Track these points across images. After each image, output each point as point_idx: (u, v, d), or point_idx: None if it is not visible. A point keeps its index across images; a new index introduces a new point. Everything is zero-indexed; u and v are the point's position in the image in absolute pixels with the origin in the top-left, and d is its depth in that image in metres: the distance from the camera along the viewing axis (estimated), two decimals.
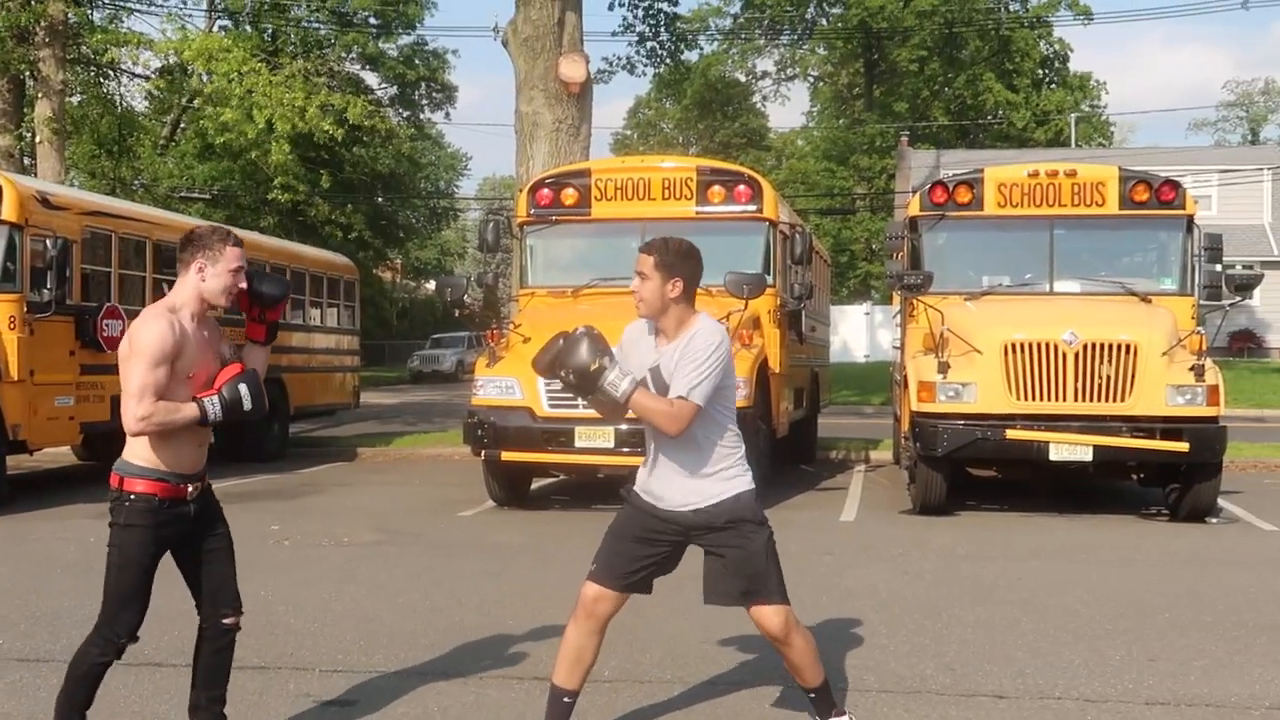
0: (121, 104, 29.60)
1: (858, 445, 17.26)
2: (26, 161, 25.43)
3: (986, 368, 10.93)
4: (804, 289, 13.16)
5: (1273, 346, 39.74)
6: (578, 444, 11.10)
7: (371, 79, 45.91)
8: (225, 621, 4.66)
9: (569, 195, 13.04)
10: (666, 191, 12.86)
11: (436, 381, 41.94)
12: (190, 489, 4.49)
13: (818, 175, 59.88)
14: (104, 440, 15.24)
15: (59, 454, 15.82)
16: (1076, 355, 10.75)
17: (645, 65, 31.09)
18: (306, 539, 10.21)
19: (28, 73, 23.60)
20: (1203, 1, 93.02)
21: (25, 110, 24.86)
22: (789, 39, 61.89)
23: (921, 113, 58.92)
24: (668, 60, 30.86)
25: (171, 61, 27.86)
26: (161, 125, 38.75)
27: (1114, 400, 10.75)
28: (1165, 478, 11.46)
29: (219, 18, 38.61)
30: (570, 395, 11.00)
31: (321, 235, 37.90)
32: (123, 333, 13.29)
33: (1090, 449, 10.70)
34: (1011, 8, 59.18)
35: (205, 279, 4.45)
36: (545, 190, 13.18)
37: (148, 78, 31.09)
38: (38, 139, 22.90)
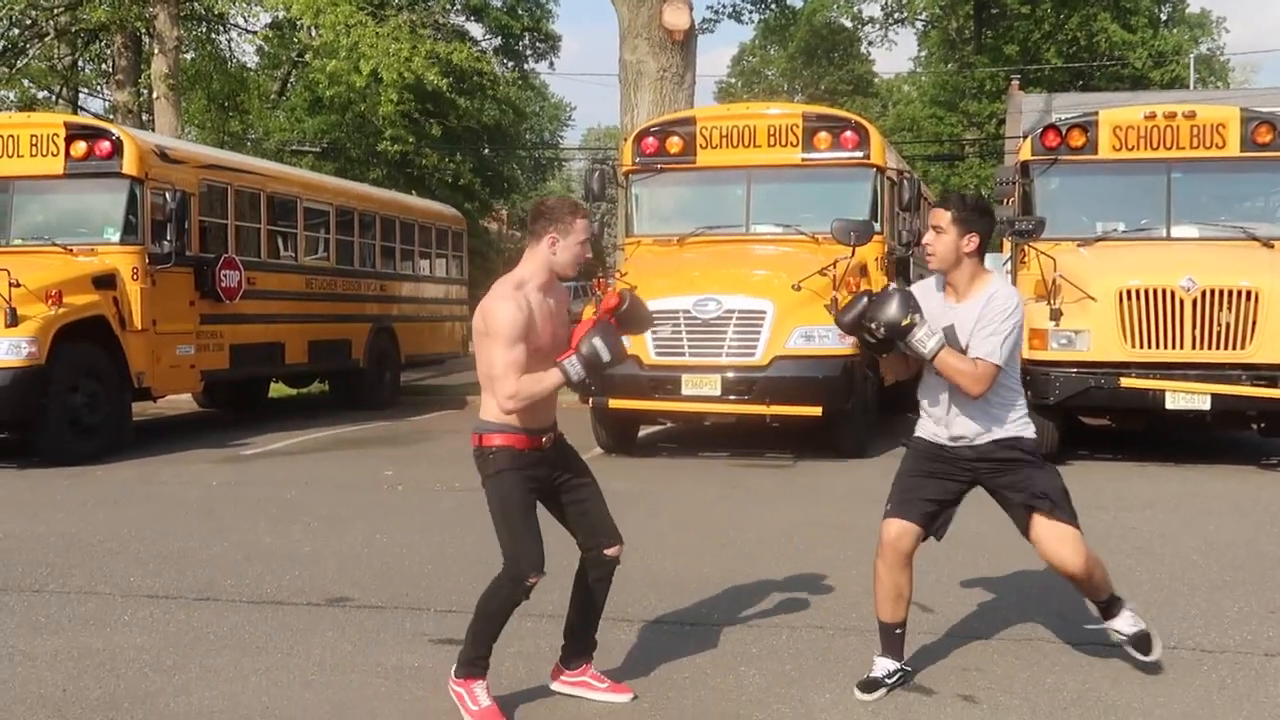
0: (232, 59, 30.11)
1: None
2: (145, 117, 26.02)
3: (1100, 315, 10.73)
4: (912, 236, 13.03)
5: None
6: (684, 392, 11.15)
7: (476, 30, 46.07)
8: (608, 553, 4.90)
9: (674, 144, 13.02)
10: (772, 139, 12.79)
11: None
12: (545, 439, 4.67)
13: (926, 121, 58.79)
14: (223, 388, 15.73)
15: (180, 401, 16.32)
16: (1195, 302, 10.50)
17: (751, 11, 30.82)
18: (419, 484, 10.43)
19: (144, 30, 24.14)
20: None
21: (142, 67, 25.43)
22: None
23: (1033, 56, 57.42)
24: (773, 6, 30.53)
25: (280, 16, 28.24)
26: (272, 80, 39.34)
27: (1233, 348, 10.50)
28: None
29: None
30: (678, 344, 11.16)
31: (429, 186, 38.23)
32: (240, 283, 13.73)
33: (1208, 398, 10.47)
34: None
35: (556, 252, 4.56)
36: (650, 139, 13.18)
37: (258, 33, 31.55)
38: (154, 95, 23.41)
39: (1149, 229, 12.09)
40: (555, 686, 5.02)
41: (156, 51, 23.48)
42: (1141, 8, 58.02)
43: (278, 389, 18.46)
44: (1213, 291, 10.51)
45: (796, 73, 66.82)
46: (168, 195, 12.69)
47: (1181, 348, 10.55)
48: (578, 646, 5.02)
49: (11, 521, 8.89)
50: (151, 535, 8.33)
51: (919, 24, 66.06)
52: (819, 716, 4.76)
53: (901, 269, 13.25)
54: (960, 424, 4.96)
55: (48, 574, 7.14)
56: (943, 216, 4.85)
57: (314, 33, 26.29)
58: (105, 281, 12.14)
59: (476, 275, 25.87)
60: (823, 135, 12.74)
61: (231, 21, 28.73)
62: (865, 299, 4.86)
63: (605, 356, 4.48)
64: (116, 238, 12.50)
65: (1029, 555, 7.43)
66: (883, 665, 5.06)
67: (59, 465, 11.40)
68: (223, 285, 13.58)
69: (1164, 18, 60.66)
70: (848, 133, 12.74)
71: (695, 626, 5.95)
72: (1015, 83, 48.65)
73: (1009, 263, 13.70)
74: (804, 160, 12.70)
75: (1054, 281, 11.04)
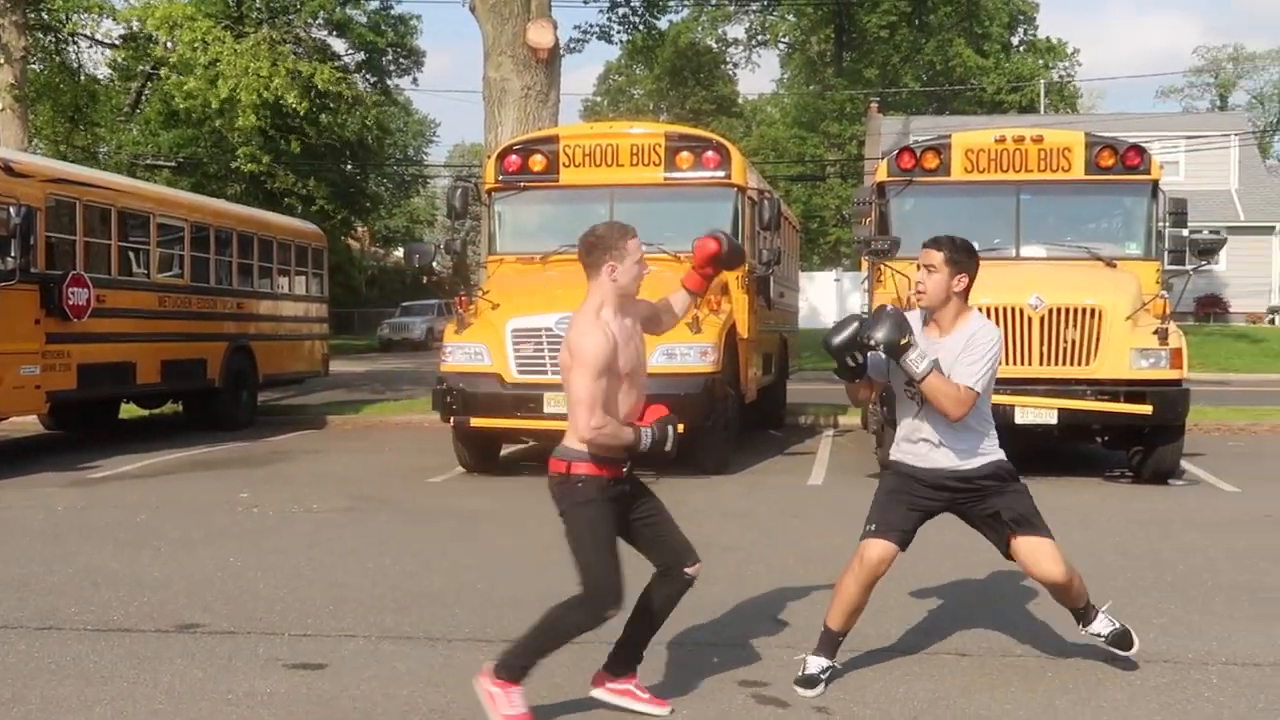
0: (81, 71, 29.24)
1: (826, 410, 17.36)
2: None
3: None
4: (772, 255, 13.20)
5: (1238, 311, 40.11)
6: (547, 409, 11.11)
7: (338, 45, 45.53)
8: (689, 571, 4.96)
9: (537, 161, 13.01)
10: (635, 158, 12.86)
11: (406, 350, 41.81)
12: (626, 468, 4.79)
13: (788, 142, 59.83)
14: (71, 409, 15.22)
15: (26, 423, 15.74)
16: (1042, 319, 10.84)
17: (619, 31, 30.99)
18: (276, 506, 10.21)
19: None
20: None
21: None
22: (759, 5, 61.68)
23: (891, 79, 58.92)
24: (641, 27, 30.75)
25: (134, 29, 27.55)
26: (125, 93, 38.32)
27: (1078, 364, 10.86)
28: (1129, 440, 11.58)
29: None
30: (540, 362, 11.14)
31: (283, 206, 37.60)
32: (89, 301, 13.28)
33: (1055, 412, 10.80)
34: None
35: (617, 277, 4.72)
36: (513, 156, 13.15)
37: (112, 45, 30.72)
38: (0, 107, 22.63)
39: (999, 249, 12.43)
40: (597, 694, 5.06)
41: (2, 62, 22.69)
42: (994, 35, 59.89)
43: (129, 410, 17.92)
44: (1059, 309, 10.86)
45: (663, 93, 67.46)
46: (12, 210, 12.24)
47: (1030, 364, 10.88)
48: (629, 656, 5.07)
49: None
50: None
51: (781, 46, 67.28)
52: None
53: (762, 288, 13.42)
54: (942, 454, 5.19)
55: None
56: (935, 256, 5.08)
57: (170, 45, 25.68)
58: None
59: (338, 294, 25.55)
60: (685, 155, 12.85)
61: (82, 32, 27.90)
62: (856, 322, 5.10)
63: (668, 447, 4.78)
64: None
65: (899, 571, 7.60)
66: (816, 663, 5.31)
67: None
68: (70, 303, 13.14)
69: (1016, 42, 62.64)
70: (709, 153, 12.88)
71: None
72: (874, 105, 49.85)
73: (867, 281, 13.98)
74: (666, 179, 12.80)
75: (909, 299, 11.27)
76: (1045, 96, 55.94)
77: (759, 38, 67.48)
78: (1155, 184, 12.41)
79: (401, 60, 49.64)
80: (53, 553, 8.32)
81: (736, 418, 12.56)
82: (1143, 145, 12.79)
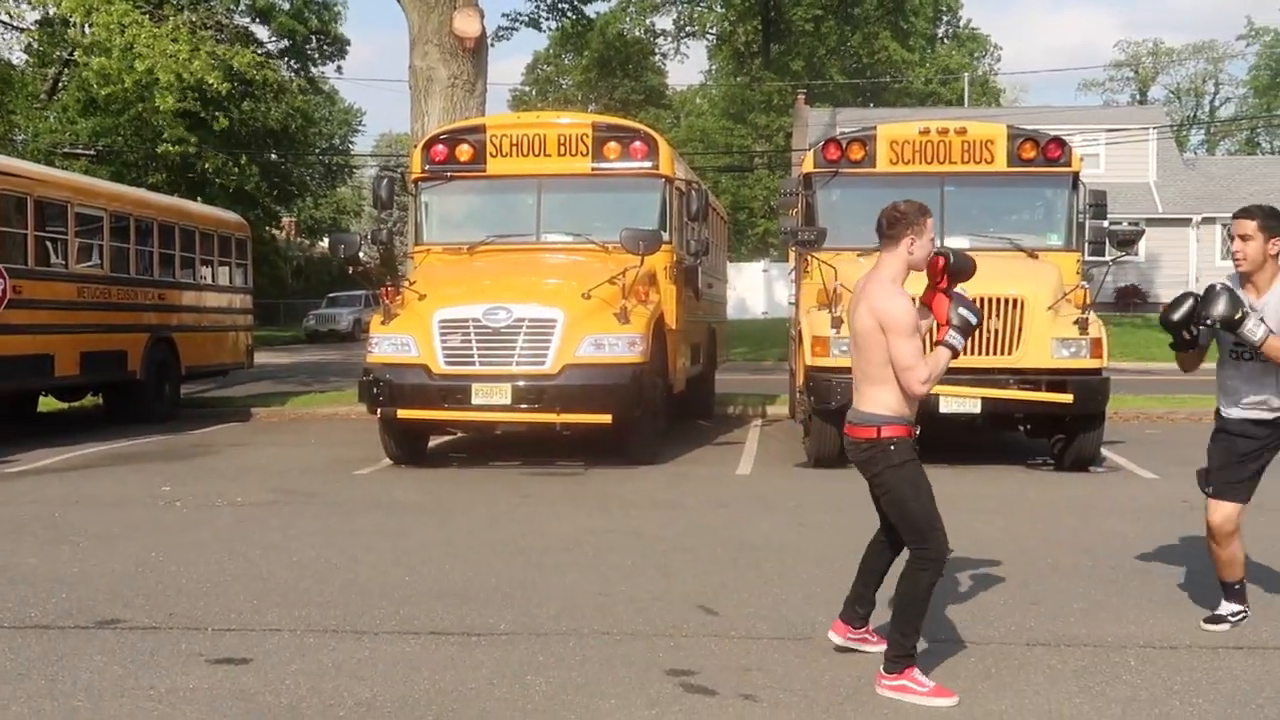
0: None
1: (755, 401, 17.45)
2: None
3: None
4: (700, 245, 13.24)
5: (1158, 301, 40.86)
6: (475, 401, 11.07)
7: (261, 32, 44.90)
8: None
9: (464, 151, 12.94)
10: (562, 148, 12.82)
11: (333, 341, 41.38)
12: (915, 429, 5.19)
13: (716, 133, 60.00)
14: None
15: None
16: None
17: (547, 19, 30.91)
18: (199, 500, 10.06)
19: None
20: None
21: None
22: None
23: (818, 71, 59.24)
24: (570, 14, 30.66)
25: (50, 13, 26.96)
26: (42, 79, 37.52)
27: (1001, 354, 11.00)
28: (1051, 429, 11.76)
29: None
30: (468, 353, 11.08)
31: (209, 193, 37.04)
32: (4, 292, 12.98)
33: (978, 401, 10.93)
34: None
35: (914, 250, 5.08)
36: (440, 146, 13.06)
37: (26, 30, 30.06)
38: None
39: None
40: (840, 642, 5.55)
41: None
42: (919, 29, 60.43)
43: (47, 403, 17.58)
44: (983, 300, 10.98)
45: (591, 83, 67.25)
46: None
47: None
48: (864, 610, 5.52)
49: None
50: None
51: (709, 37, 67.32)
52: None
53: (690, 278, 13.45)
54: (1266, 407, 5.80)
55: None
56: (1247, 226, 5.66)
57: (86, 30, 25.16)
58: None
59: (263, 284, 25.21)
60: (612, 145, 12.84)
61: None
62: (1191, 299, 5.65)
63: (974, 320, 5.18)
64: None
65: (812, 556, 7.67)
66: (1228, 607, 6.02)
67: None
68: None
69: (940, 33, 63.21)
70: (637, 143, 12.88)
71: (482, 637, 5.90)
72: (801, 97, 50.06)
73: (794, 272, 14.07)
74: (594, 170, 12.78)
75: (835, 290, 11.38)
76: (969, 90, 56.58)
77: (687, 29, 67.51)
78: (1075, 176, 12.60)
79: (325, 48, 49.10)
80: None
81: (665, 408, 12.59)
82: (1063, 138, 12.98)
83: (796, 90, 52.77)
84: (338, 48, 49.53)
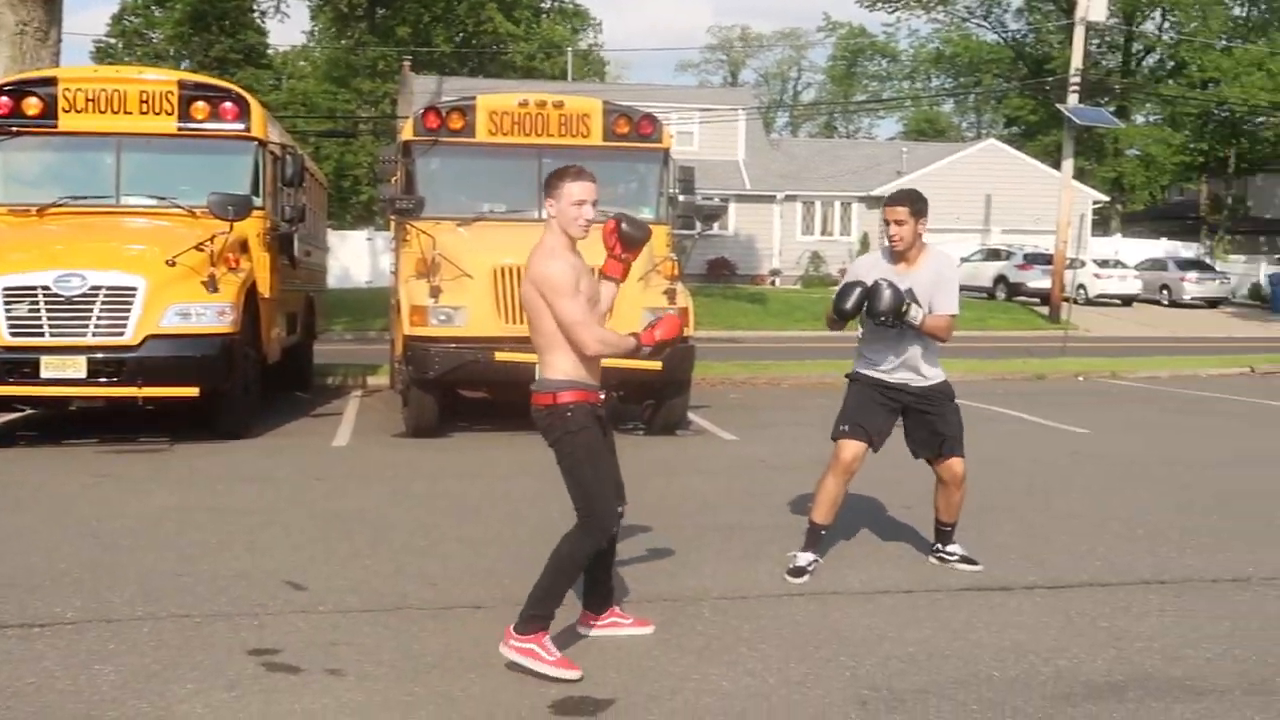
0: None
1: (355, 371, 17.15)
2: None
3: (477, 292, 11.15)
4: (295, 212, 12.87)
5: (745, 274, 43.32)
6: (45, 375, 10.30)
7: None
8: (620, 510, 5.24)
9: (32, 105, 11.96)
10: (145, 105, 12.09)
11: None
12: (600, 395, 5.10)
13: (319, 97, 58.40)
14: None
15: None
16: None
17: None
18: None
19: None
20: None
21: None
22: None
23: (424, 38, 58.80)
24: None
25: None
26: None
27: None
28: (642, 395, 12.22)
29: None
30: (37, 324, 10.28)
31: None
32: None
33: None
34: None
35: (553, 214, 5.01)
36: (4, 98, 12.01)
37: None
38: None
39: (523, 211, 12.70)
40: (589, 632, 5.48)
41: None
42: (524, 1, 61.08)
43: None
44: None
45: (185, 39, 63.73)
46: None
47: (518, 322, 11.03)
48: (603, 594, 5.51)
49: None
50: None
51: None
52: (178, 709, 4.57)
53: (285, 245, 13.01)
54: (902, 373, 6.44)
55: None
56: (899, 213, 6.25)
57: None
58: None
59: None
60: (201, 105, 12.22)
61: None
62: (859, 288, 6.20)
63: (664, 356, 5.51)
64: None
65: (406, 527, 7.63)
66: (805, 557, 6.50)
67: None
68: None
69: (545, 6, 64.14)
70: (227, 104, 12.31)
71: (46, 627, 5.51)
72: (407, 64, 49.56)
73: (394, 241, 13.91)
74: (180, 130, 12.12)
75: (434, 259, 11.35)
76: (573, 64, 57.76)
77: None
78: (666, 152, 13.12)
79: None
80: None
81: (258, 380, 12.15)
82: (655, 115, 13.48)
83: (402, 57, 52.23)
84: None
